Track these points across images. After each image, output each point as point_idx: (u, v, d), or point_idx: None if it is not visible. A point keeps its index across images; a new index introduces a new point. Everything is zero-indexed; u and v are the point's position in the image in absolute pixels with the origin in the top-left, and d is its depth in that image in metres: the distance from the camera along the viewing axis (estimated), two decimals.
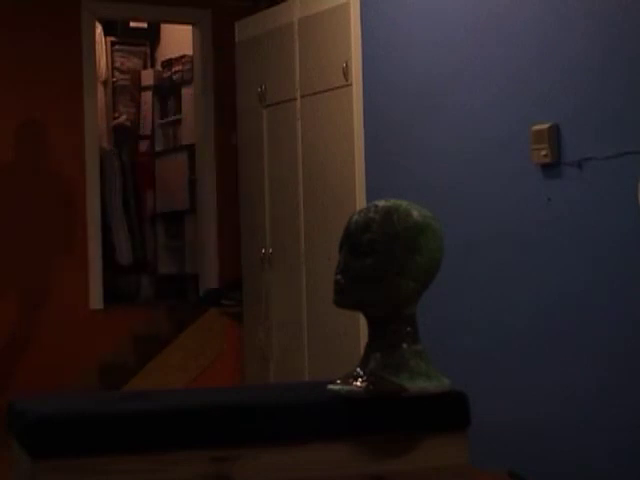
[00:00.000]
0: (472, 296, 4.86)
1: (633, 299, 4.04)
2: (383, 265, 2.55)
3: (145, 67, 9.09)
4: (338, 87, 5.70)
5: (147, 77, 8.98)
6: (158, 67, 8.96)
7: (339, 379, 2.65)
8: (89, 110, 7.23)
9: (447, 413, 2.64)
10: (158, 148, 8.78)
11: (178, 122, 8.51)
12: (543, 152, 4.40)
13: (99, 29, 8.28)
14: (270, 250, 6.37)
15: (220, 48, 7.39)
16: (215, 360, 6.94)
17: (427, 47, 5.15)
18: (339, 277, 2.59)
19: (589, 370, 4.23)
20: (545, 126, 4.39)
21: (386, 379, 2.57)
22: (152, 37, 9.10)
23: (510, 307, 4.63)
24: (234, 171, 7.05)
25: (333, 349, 5.72)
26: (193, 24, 7.73)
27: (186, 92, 8.30)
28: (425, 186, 5.09)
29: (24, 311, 7.04)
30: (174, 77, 8.55)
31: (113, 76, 8.98)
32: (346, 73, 5.61)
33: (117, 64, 9.01)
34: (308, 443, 2.54)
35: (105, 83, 8.81)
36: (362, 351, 2.68)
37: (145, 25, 8.95)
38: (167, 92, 8.71)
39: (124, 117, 8.97)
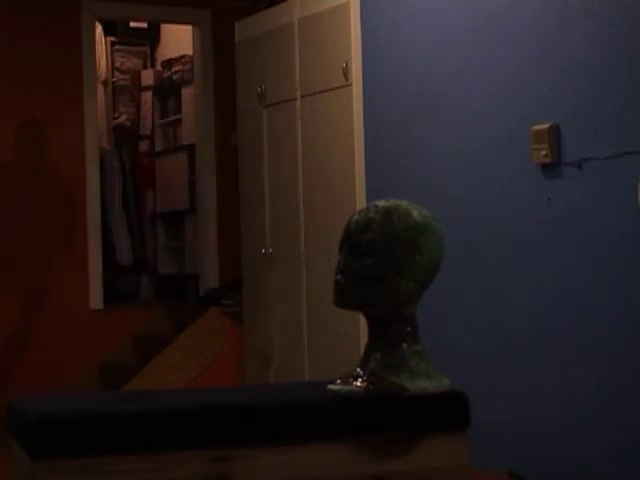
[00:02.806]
0: (472, 296, 4.86)
1: (633, 299, 4.04)
2: (383, 265, 2.55)
3: (145, 67, 9.09)
4: (338, 87, 5.70)
5: (147, 77, 8.98)
6: (158, 67, 8.96)
7: (339, 379, 2.65)
8: (89, 110, 7.23)
9: (447, 413, 2.64)
10: (158, 148, 8.78)
11: (178, 122, 8.51)
12: (543, 152, 4.40)
13: (99, 29, 8.27)
14: (270, 250, 6.37)
15: (220, 48, 7.39)
16: (215, 360, 6.94)
17: (427, 47, 5.15)
18: (339, 277, 2.60)
19: (589, 370, 4.23)
20: (545, 126, 4.39)
21: (386, 379, 2.57)
22: (152, 37, 9.10)
23: (510, 307, 4.63)
24: (234, 171, 7.05)
25: (333, 349, 5.71)
26: (193, 24, 7.73)
27: (186, 92, 8.30)
28: (425, 186, 5.09)
29: (24, 311, 7.04)
30: (174, 77, 8.55)
31: (113, 76, 8.98)
32: (346, 73, 5.61)
33: (117, 64, 9.01)
34: (308, 443, 2.54)
35: (105, 83, 8.82)
36: (362, 351, 2.68)
37: (145, 25, 8.95)
38: (167, 92, 8.71)
39: (124, 117, 8.97)
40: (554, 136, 4.38)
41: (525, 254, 4.56)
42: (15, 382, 6.81)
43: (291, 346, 6.18)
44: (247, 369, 6.73)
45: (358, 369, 2.62)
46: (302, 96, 6.04)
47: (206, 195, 7.61)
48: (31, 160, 7.10)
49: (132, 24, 8.95)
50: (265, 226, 6.45)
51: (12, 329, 6.97)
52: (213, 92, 7.59)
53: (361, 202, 5.43)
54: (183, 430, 2.47)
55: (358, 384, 2.59)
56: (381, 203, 2.61)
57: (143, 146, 8.92)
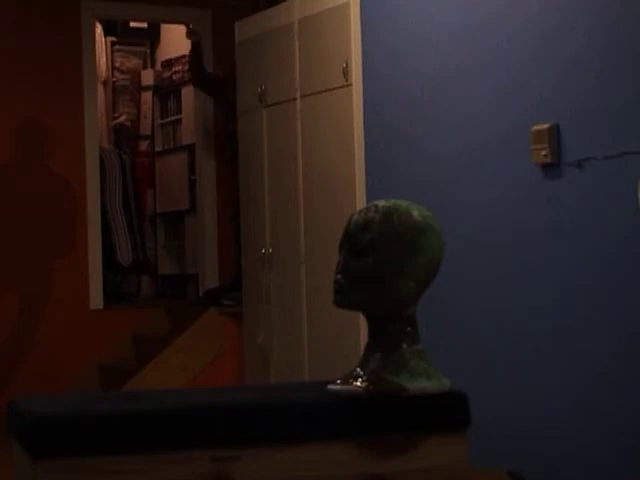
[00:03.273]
0: (472, 296, 4.86)
1: (633, 299, 4.04)
2: (383, 265, 2.55)
3: (145, 67, 9.10)
4: (338, 87, 5.70)
5: (147, 77, 8.99)
6: (158, 67, 8.97)
7: (339, 379, 2.65)
8: (89, 110, 7.24)
9: (447, 413, 2.65)
10: (158, 148, 8.79)
11: (178, 122, 8.52)
12: (543, 152, 4.40)
13: (99, 29, 8.28)
14: (270, 250, 6.38)
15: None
16: (215, 360, 6.94)
17: (427, 47, 5.15)
18: (339, 277, 2.60)
19: (589, 370, 4.23)
20: (545, 126, 4.39)
21: (386, 379, 2.58)
22: (152, 37, 9.11)
23: (510, 307, 4.63)
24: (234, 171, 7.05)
25: (333, 349, 5.71)
26: (193, 24, 7.72)
27: (186, 92, 8.30)
28: (425, 186, 5.09)
29: (24, 311, 7.04)
30: (174, 77, 8.55)
31: (113, 76, 8.99)
32: (346, 73, 5.61)
33: (117, 64, 9.02)
34: (308, 443, 2.54)
35: (105, 83, 8.82)
36: (362, 351, 2.68)
37: (145, 25, 8.96)
38: (167, 92, 8.71)
39: (124, 117, 8.98)
40: (554, 136, 4.37)
41: (525, 254, 4.56)
42: (15, 382, 6.81)
43: (291, 346, 6.18)
44: (247, 369, 6.73)
45: (358, 369, 2.63)
46: (302, 96, 6.04)
47: (206, 195, 7.61)
48: (31, 160, 7.10)
49: (132, 24, 8.95)
50: (265, 226, 6.45)
51: (12, 329, 6.97)
52: None
53: (361, 202, 5.43)
54: (183, 430, 2.47)
55: (358, 384, 2.59)
56: (381, 203, 2.62)
57: (143, 146, 8.93)
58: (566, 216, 4.35)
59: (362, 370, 2.61)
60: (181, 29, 8.31)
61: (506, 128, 4.66)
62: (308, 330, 6.00)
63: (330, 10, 5.76)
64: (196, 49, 7.08)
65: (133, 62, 9.06)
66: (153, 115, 8.87)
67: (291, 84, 6.12)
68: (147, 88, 8.96)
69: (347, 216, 2.70)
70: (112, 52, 8.98)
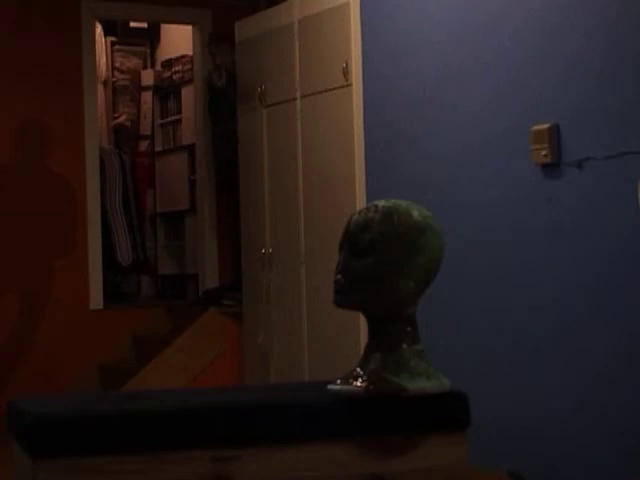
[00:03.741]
0: (472, 296, 4.86)
1: (633, 299, 4.04)
2: (383, 265, 2.55)
3: (145, 67, 9.10)
4: (338, 87, 5.70)
5: (147, 77, 8.99)
6: (158, 67, 8.97)
7: (339, 379, 2.65)
8: (89, 110, 7.24)
9: (447, 413, 2.65)
10: (158, 148, 8.79)
11: (178, 122, 8.52)
12: (543, 152, 4.40)
13: (99, 29, 8.28)
14: (270, 250, 6.38)
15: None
16: (215, 360, 6.94)
17: (427, 47, 5.15)
18: (339, 277, 2.60)
19: (589, 370, 4.23)
20: (545, 126, 4.39)
21: (386, 379, 2.58)
22: (152, 37, 9.11)
23: (510, 307, 4.63)
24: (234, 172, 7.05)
25: (333, 349, 5.71)
26: (193, 24, 7.72)
27: (186, 92, 8.30)
28: (425, 186, 5.09)
29: (24, 311, 7.04)
30: (174, 77, 8.55)
31: (113, 76, 8.99)
32: (346, 73, 5.61)
33: (117, 64, 9.01)
34: (308, 443, 2.54)
35: (105, 83, 8.82)
36: (362, 351, 2.68)
37: (145, 25, 8.96)
38: (167, 92, 8.71)
39: (124, 117, 8.97)
40: (554, 136, 4.37)
41: (525, 254, 4.56)
42: (15, 382, 6.81)
43: (291, 346, 6.18)
44: (247, 369, 6.73)
45: (358, 369, 2.63)
46: (302, 96, 6.04)
47: (206, 195, 7.61)
48: (31, 160, 7.10)
49: (132, 24, 8.95)
50: (265, 226, 6.45)
51: (12, 329, 6.97)
52: None
53: (361, 202, 5.43)
54: (183, 430, 2.47)
55: (358, 384, 2.59)
56: (381, 203, 2.62)
57: (143, 146, 8.93)
58: (566, 216, 4.35)
59: (362, 370, 2.61)
60: (181, 29, 8.32)
61: (506, 128, 4.66)
62: (308, 330, 6.00)
63: (330, 10, 5.76)
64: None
65: (133, 62, 9.06)
66: (153, 115, 8.87)
67: (291, 84, 6.12)
68: (147, 88, 8.96)
69: (347, 216, 2.70)
70: (112, 52, 8.98)
